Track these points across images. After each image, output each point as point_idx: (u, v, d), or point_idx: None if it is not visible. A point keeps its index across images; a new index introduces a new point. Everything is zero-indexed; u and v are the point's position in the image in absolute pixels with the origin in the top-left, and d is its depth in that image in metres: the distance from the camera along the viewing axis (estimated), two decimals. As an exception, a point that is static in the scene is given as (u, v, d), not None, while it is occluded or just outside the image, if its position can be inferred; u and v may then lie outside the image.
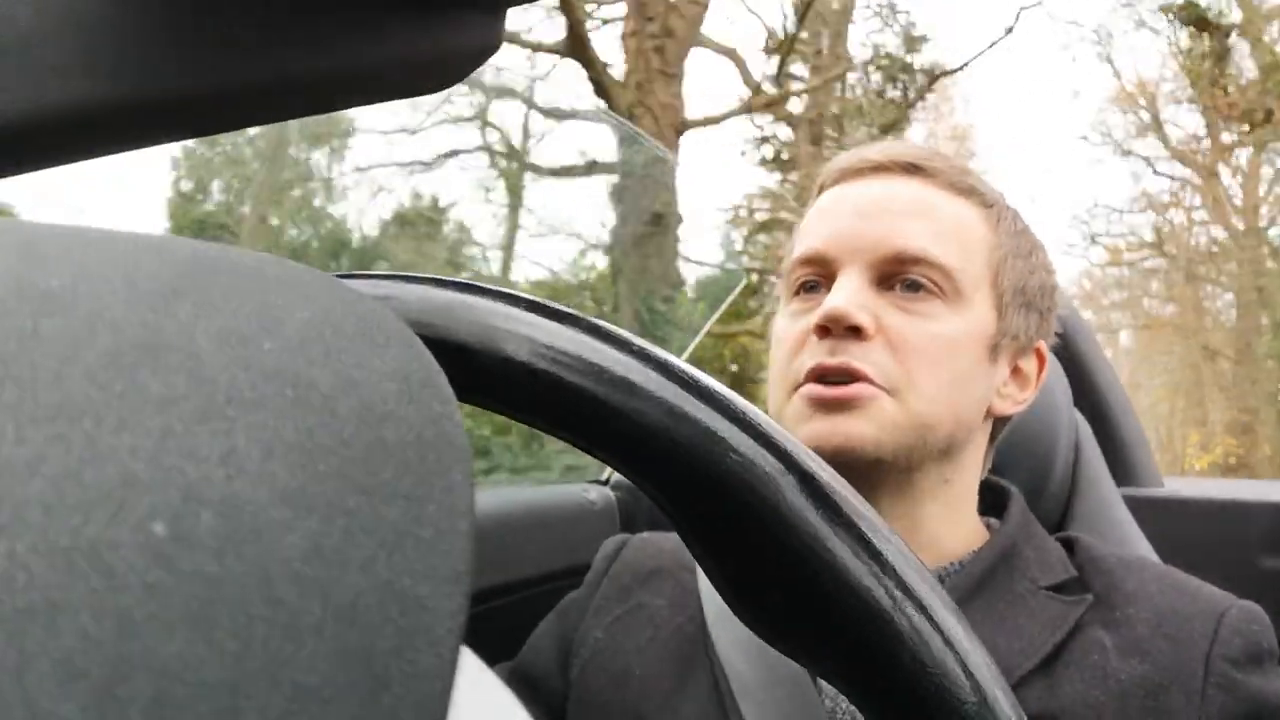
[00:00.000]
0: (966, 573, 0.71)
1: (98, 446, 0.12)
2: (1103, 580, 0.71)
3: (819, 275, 0.74)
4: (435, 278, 0.27)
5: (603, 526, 1.31)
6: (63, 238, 0.15)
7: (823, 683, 0.68)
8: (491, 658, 0.29)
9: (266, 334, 0.15)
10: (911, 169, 0.74)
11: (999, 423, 0.78)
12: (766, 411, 0.31)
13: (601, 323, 0.26)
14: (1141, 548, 1.00)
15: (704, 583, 0.76)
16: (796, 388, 0.70)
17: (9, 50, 0.34)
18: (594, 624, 0.78)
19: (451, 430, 0.16)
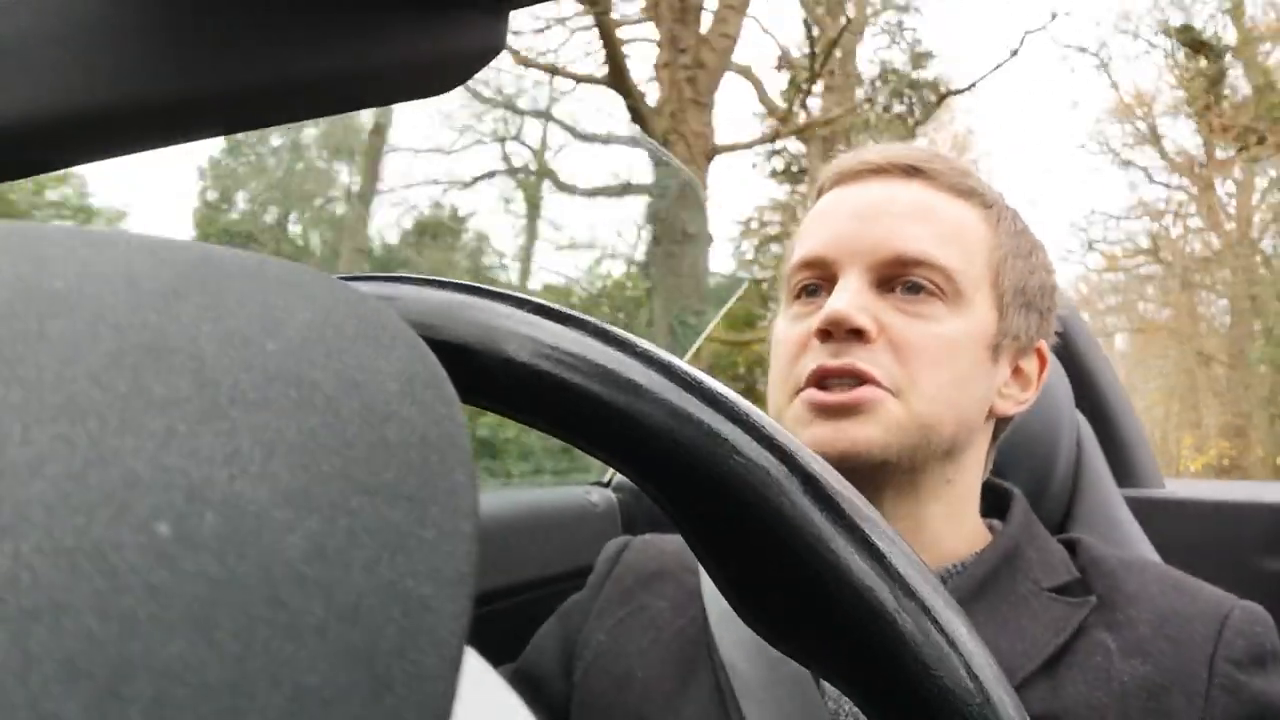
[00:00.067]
0: (969, 574, 0.70)
1: (101, 447, 0.12)
2: (1105, 581, 0.71)
3: (819, 278, 0.74)
4: (438, 279, 0.27)
5: (604, 528, 1.31)
6: (67, 239, 0.15)
7: (825, 684, 0.68)
8: (494, 660, 0.29)
9: (269, 335, 0.15)
10: (911, 171, 0.74)
11: (1001, 423, 0.78)
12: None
13: (605, 325, 0.26)
14: (1143, 549, 1.00)
15: (706, 584, 0.76)
16: (798, 391, 0.70)
17: (9, 52, 0.34)
18: (596, 626, 0.78)
19: (454, 431, 0.16)
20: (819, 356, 0.69)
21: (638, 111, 7.92)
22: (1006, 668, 0.26)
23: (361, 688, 0.13)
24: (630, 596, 0.79)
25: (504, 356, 0.25)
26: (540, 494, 1.36)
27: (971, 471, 0.75)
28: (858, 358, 0.68)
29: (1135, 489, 1.34)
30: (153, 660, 0.11)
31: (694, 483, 0.25)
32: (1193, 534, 1.29)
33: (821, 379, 0.69)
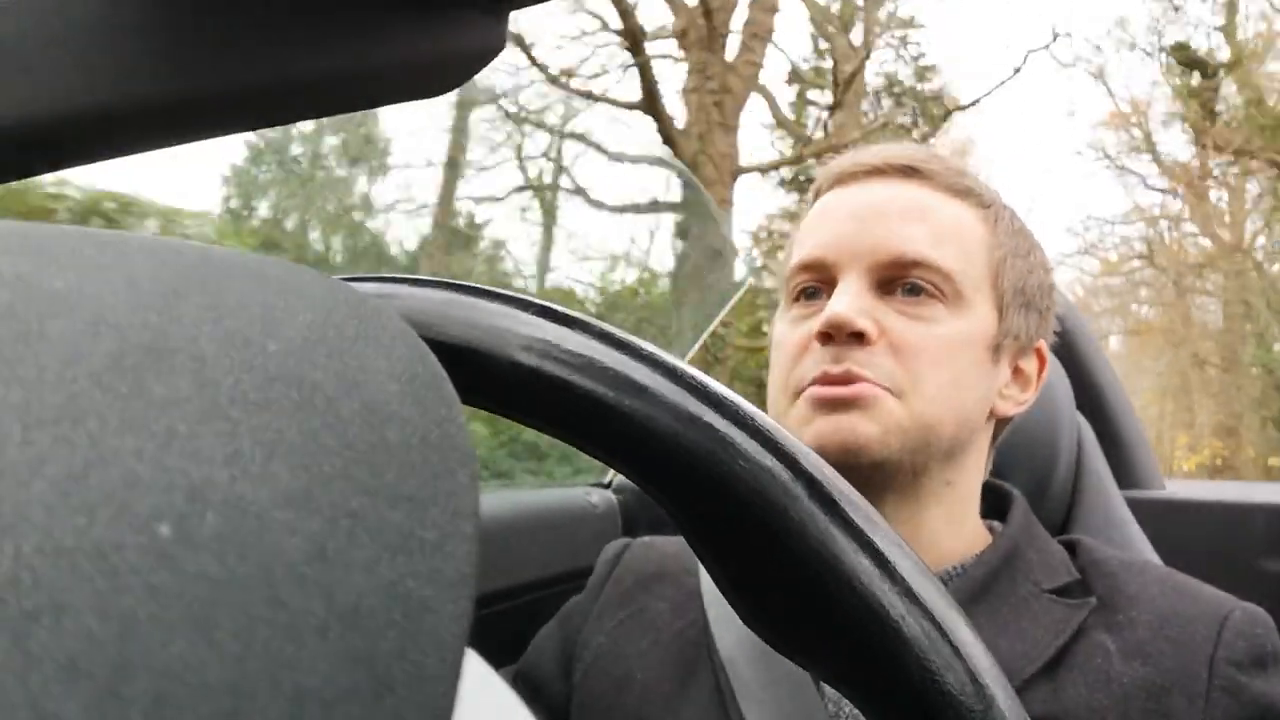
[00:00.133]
0: (969, 576, 0.70)
1: (102, 448, 0.12)
2: (1105, 583, 0.71)
3: (818, 281, 0.73)
4: (441, 280, 0.27)
5: (605, 529, 1.31)
6: (68, 239, 0.15)
7: (825, 685, 0.68)
8: (494, 661, 0.29)
9: (270, 336, 0.15)
10: (908, 171, 0.74)
11: (1000, 424, 0.78)
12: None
13: (609, 327, 0.26)
14: (1144, 550, 1.00)
15: (706, 586, 0.76)
16: (799, 393, 0.70)
17: (9, 52, 0.34)
18: (596, 628, 0.78)
19: (455, 432, 0.16)
20: (820, 360, 0.69)
21: (668, 135, 8.49)
22: (1007, 670, 0.26)
23: (362, 689, 0.13)
24: (630, 598, 0.79)
25: (509, 358, 0.25)
26: (540, 495, 1.36)
27: (972, 473, 0.75)
28: (857, 362, 0.68)
29: (1136, 490, 1.34)
30: (153, 661, 0.11)
31: (699, 486, 0.25)
32: (1193, 535, 1.29)
33: (822, 384, 0.69)
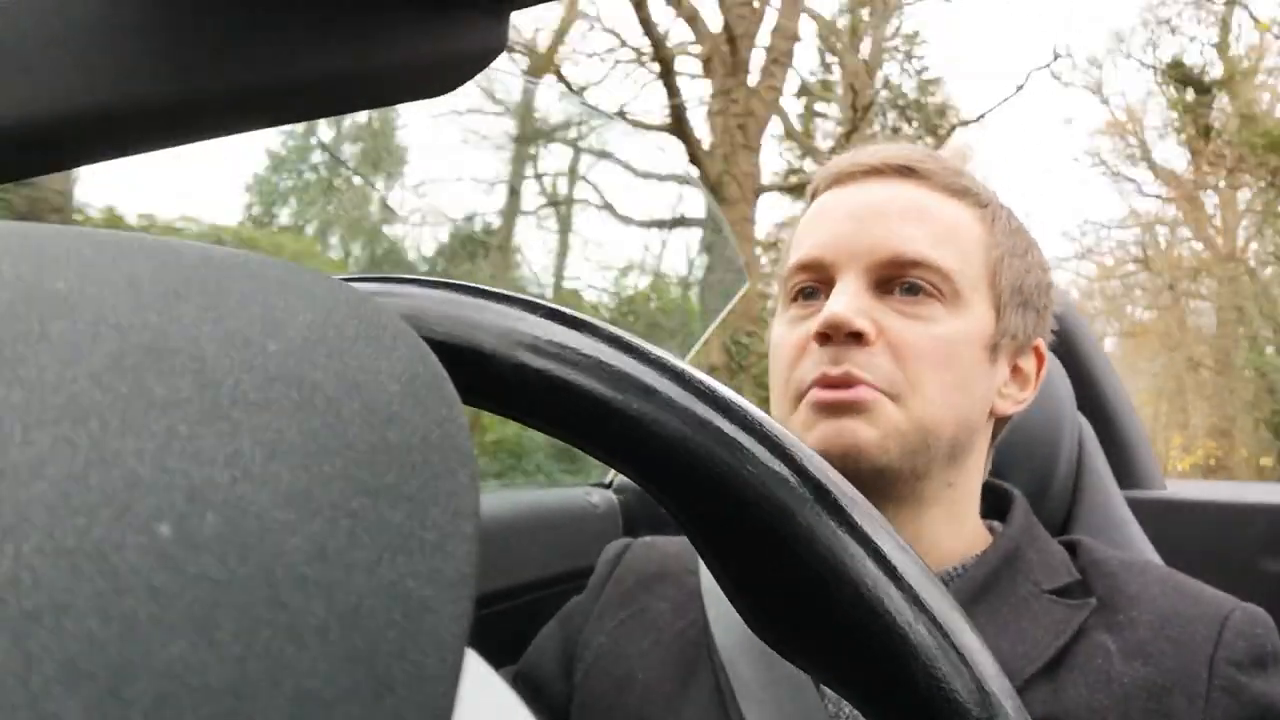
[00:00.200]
0: (969, 576, 0.70)
1: (103, 448, 0.12)
2: (1106, 583, 0.71)
3: (817, 281, 0.73)
4: (443, 280, 0.27)
5: (605, 529, 1.31)
6: (69, 240, 0.15)
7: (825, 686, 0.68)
8: (495, 661, 0.29)
9: (270, 336, 0.15)
10: (906, 171, 0.74)
11: (1000, 423, 0.78)
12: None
13: (615, 329, 0.26)
14: (1144, 550, 1.00)
15: (707, 586, 0.76)
16: (800, 397, 0.70)
17: (9, 53, 0.34)
18: (597, 628, 0.78)
19: (456, 432, 0.16)
20: (819, 362, 0.69)
21: (695, 156, 9.15)
22: (1007, 670, 0.25)
23: (362, 689, 0.13)
24: (631, 598, 0.79)
25: (513, 359, 0.25)
26: (541, 495, 1.36)
27: (972, 473, 0.75)
28: (856, 363, 0.68)
29: (1136, 490, 1.34)
30: (154, 661, 0.11)
31: (705, 488, 0.25)
32: (1194, 535, 1.29)
33: (822, 387, 0.69)
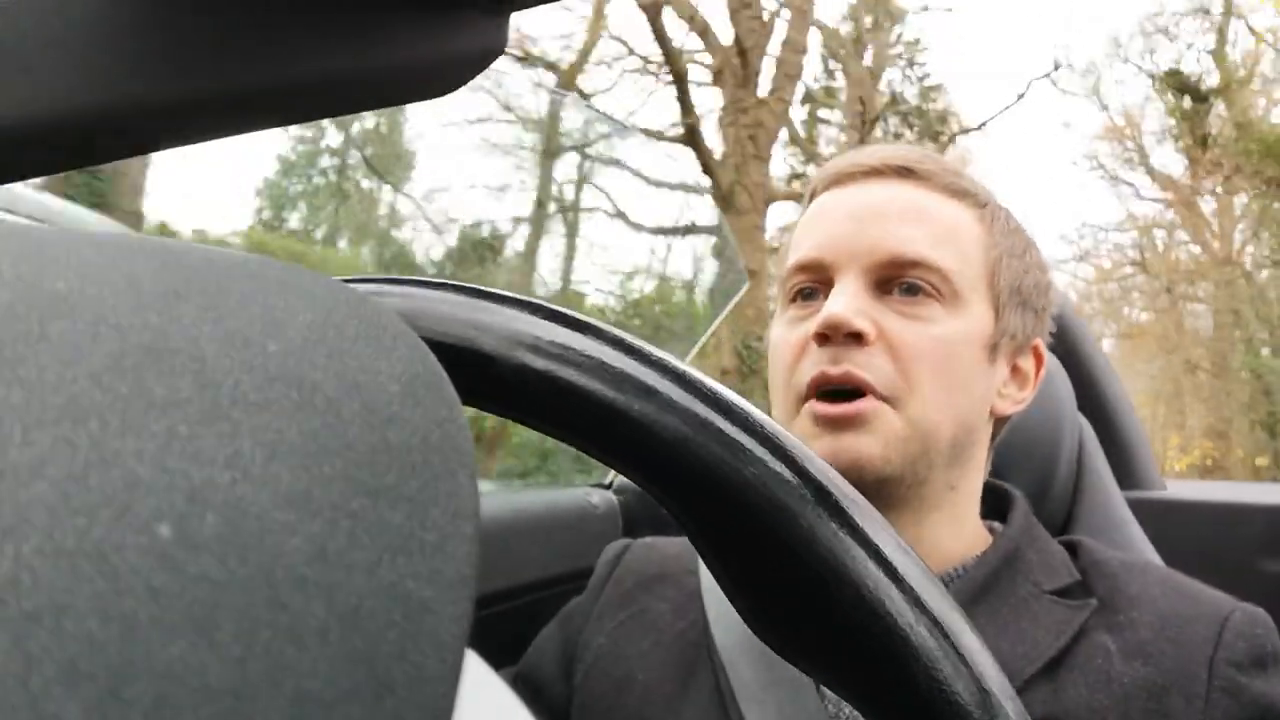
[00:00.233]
0: (970, 577, 0.70)
1: (102, 449, 0.12)
2: (1106, 584, 0.71)
3: (816, 282, 0.73)
4: (444, 281, 0.27)
5: (605, 530, 1.31)
6: (69, 240, 0.15)
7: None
8: (495, 662, 0.29)
9: (270, 336, 0.15)
10: (904, 172, 0.74)
11: (999, 423, 0.78)
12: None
13: (619, 332, 0.26)
14: (1144, 550, 1.00)
15: (707, 587, 0.76)
16: (800, 399, 0.70)
17: (9, 53, 0.34)
18: (597, 629, 0.78)
19: (456, 433, 0.16)
20: (818, 362, 0.69)
21: (708, 166, 9.58)
22: (1007, 671, 0.25)
23: (362, 690, 0.13)
24: (630, 599, 0.78)
25: (514, 360, 0.25)
26: (541, 496, 1.36)
27: (973, 474, 0.75)
28: (855, 363, 0.68)
29: (1137, 491, 1.34)
30: (154, 662, 0.11)
31: (707, 490, 0.25)
32: (1194, 536, 1.29)
33: (821, 387, 0.69)
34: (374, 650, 0.13)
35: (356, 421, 0.15)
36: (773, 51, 10.16)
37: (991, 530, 0.77)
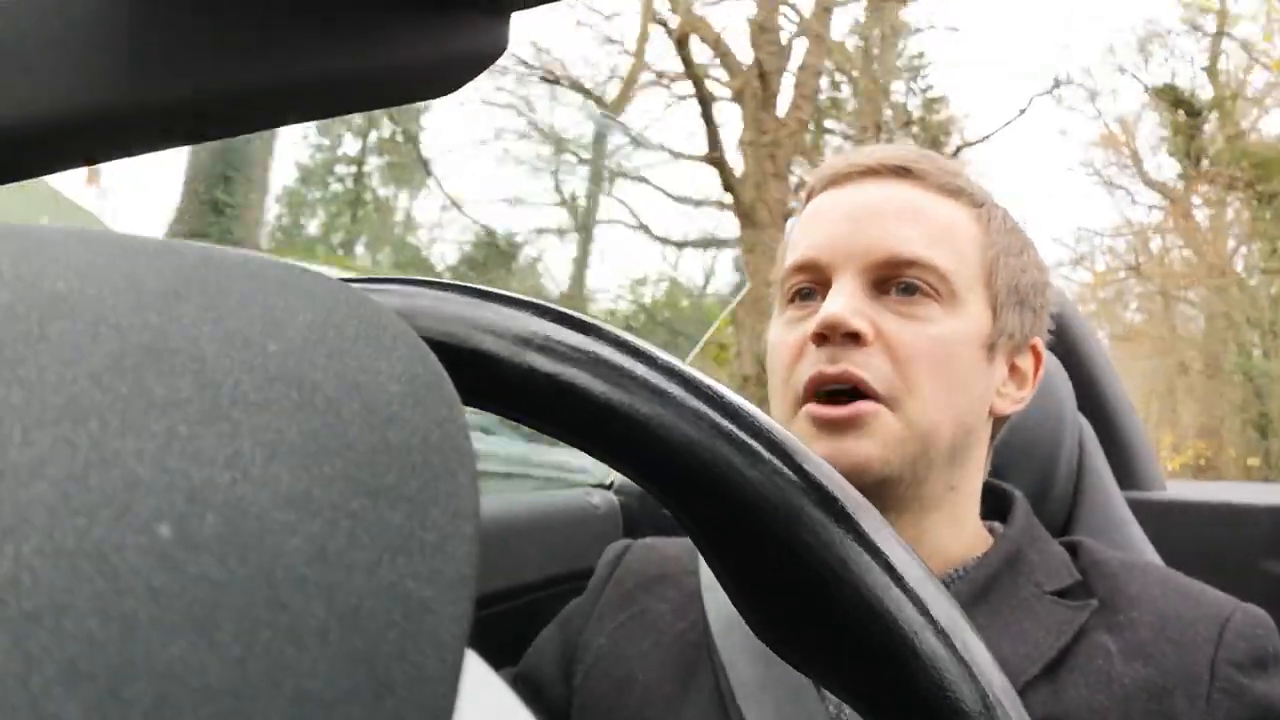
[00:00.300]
0: (970, 578, 0.70)
1: (102, 449, 0.12)
2: (1106, 584, 0.71)
3: (813, 282, 0.73)
4: (444, 282, 0.27)
5: (606, 531, 1.31)
6: (69, 240, 0.15)
7: (826, 687, 0.68)
8: (495, 662, 0.29)
9: (270, 336, 0.15)
10: (901, 172, 0.74)
11: (998, 423, 0.78)
12: None
13: (622, 333, 0.26)
14: (1145, 551, 1.00)
15: (707, 588, 0.76)
16: (799, 401, 0.70)
17: (9, 53, 0.34)
18: (597, 630, 0.78)
19: (456, 433, 0.16)
20: (816, 362, 0.69)
21: (729, 183, 10.15)
22: (1008, 671, 0.25)
23: (362, 690, 0.13)
24: (631, 600, 0.78)
25: (517, 361, 0.25)
26: (542, 497, 1.36)
27: (973, 474, 0.75)
28: (853, 363, 0.68)
29: (1137, 491, 1.33)
30: (154, 662, 0.11)
31: (710, 492, 0.25)
32: (1194, 536, 1.29)
33: (819, 386, 0.68)
34: (374, 650, 0.13)
35: (356, 421, 0.15)
36: (790, 70, 10.76)
37: (992, 531, 0.77)
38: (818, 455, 0.25)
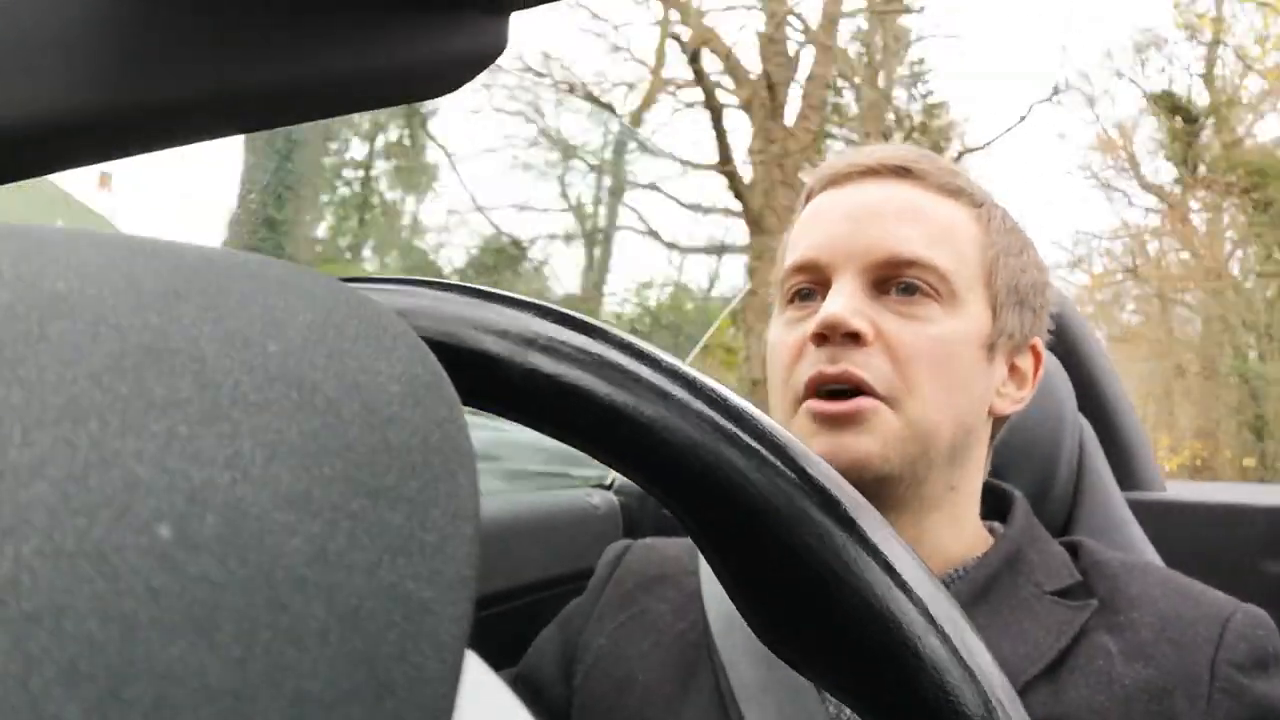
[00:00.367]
0: (970, 578, 0.70)
1: (102, 449, 0.12)
2: (1107, 584, 0.71)
3: (813, 282, 0.73)
4: (444, 282, 0.27)
5: (606, 531, 1.31)
6: (70, 241, 0.15)
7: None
8: (495, 663, 0.29)
9: (270, 336, 0.15)
10: (901, 172, 0.74)
11: (998, 423, 0.78)
12: None
13: (625, 335, 0.26)
14: (1145, 551, 1.00)
15: (707, 588, 0.76)
16: (799, 400, 0.70)
17: (9, 53, 0.34)
18: (597, 630, 0.78)
19: (456, 434, 0.16)
20: (816, 362, 0.69)
21: (738, 191, 10.35)
22: (1009, 672, 0.25)
23: (362, 691, 0.13)
24: (631, 600, 0.78)
25: (518, 362, 0.25)
26: (542, 497, 1.35)
27: (973, 474, 0.75)
28: (853, 363, 0.68)
29: (1137, 492, 1.33)
30: (154, 663, 0.11)
31: (712, 494, 0.25)
32: (1195, 537, 1.29)
33: (819, 386, 0.68)
34: (374, 651, 0.13)
35: (356, 422, 0.15)
36: (797, 80, 10.92)
37: (992, 531, 0.77)
38: (818, 455, 0.25)
